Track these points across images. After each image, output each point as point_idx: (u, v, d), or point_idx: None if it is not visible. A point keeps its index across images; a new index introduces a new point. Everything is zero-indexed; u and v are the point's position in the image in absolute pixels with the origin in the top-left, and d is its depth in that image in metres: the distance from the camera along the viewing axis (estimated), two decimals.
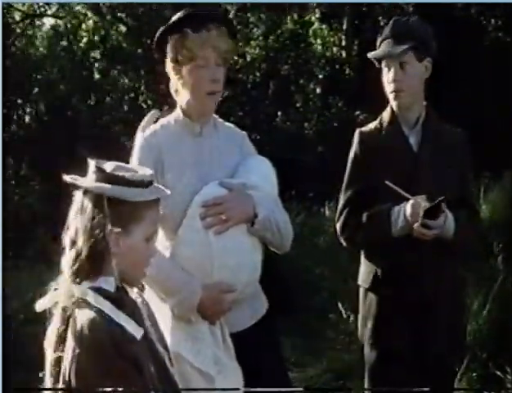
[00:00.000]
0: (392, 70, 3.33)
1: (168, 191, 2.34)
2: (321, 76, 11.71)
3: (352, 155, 3.43)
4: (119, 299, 2.26)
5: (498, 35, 10.64)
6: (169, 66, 2.98)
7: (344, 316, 6.27)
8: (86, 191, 2.26)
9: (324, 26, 11.73)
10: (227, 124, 3.14)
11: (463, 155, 3.40)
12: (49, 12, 12.22)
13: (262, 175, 3.01)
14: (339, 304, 6.31)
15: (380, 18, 11.11)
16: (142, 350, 2.22)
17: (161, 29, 2.99)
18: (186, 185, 2.82)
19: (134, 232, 2.26)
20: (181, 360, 2.73)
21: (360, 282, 3.46)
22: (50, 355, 2.22)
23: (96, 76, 12.01)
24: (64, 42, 11.92)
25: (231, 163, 2.99)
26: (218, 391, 2.81)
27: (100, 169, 2.24)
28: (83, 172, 2.34)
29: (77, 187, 2.29)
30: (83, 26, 11.99)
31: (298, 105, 11.51)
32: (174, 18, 2.98)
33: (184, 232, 2.78)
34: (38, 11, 12.12)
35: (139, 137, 2.99)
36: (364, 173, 3.35)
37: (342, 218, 3.41)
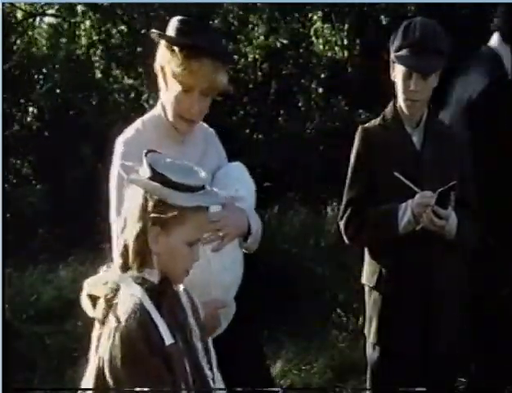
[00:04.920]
0: (413, 79, 3.29)
1: (221, 198, 2.32)
2: (322, 76, 11.69)
3: (354, 152, 3.44)
4: (162, 292, 2.29)
5: None
6: (158, 65, 2.92)
7: (346, 316, 6.27)
8: None
9: (326, 25, 11.71)
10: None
11: (463, 155, 3.42)
12: (50, 11, 12.20)
13: (245, 184, 3.00)
14: (340, 304, 6.31)
15: (382, 17, 11.10)
16: (177, 347, 2.23)
17: (154, 32, 2.91)
18: None
19: (174, 234, 2.28)
20: None
21: (364, 280, 3.47)
22: (95, 336, 2.29)
23: (98, 75, 11.99)
24: (65, 41, 11.90)
25: (211, 167, 2.96)
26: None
27: (150, 166, 2.25)
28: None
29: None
30: (83, 25, 11.97)
31: (299, 104, 11.50)
32: (170, 30, 2.88)
33: None
34: (39, 10, 12.10)
35: (119, 143, 2.91)
36: (367, 171, 3.36)
37: (345, 216, 3.41)
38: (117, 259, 2.31)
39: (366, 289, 3.45)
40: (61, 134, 10.90)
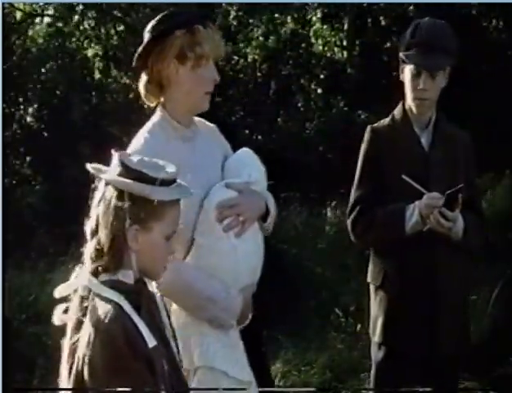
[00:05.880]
0: (422, 77, 3.31)
1: (191, 191, 2.32)
2: (322, 76, 11.70)
3: (363, 151, 3.44)
4: (138, 292, 2.26)
5: (499, 36, 10.64)
6: (166, 63, 2.90)
7: (345, 317, 6.27)
8: (108, 183, 2.25)
9: (325, 26, 11.72)
10: (198, 118, 3.09)
11: (469, 157, 3.45)
12: (49, 12, 12.21)
13: (256, 168, 3.00)
14: (340, 305, 6.31)
15: (381, 18, 11.11)
16: (157, 348, 2.20)
17: (165, 25, 2.91)
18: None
19: (154, 230, 2.25)
20: (214, 373, 2.75)
21: (370, 279, 3.47)
22: (66, 343, 2.22)
23: (97, 76, 12.00)
24: (63, 42, 11.90)
25: (218, 160, 2.99)
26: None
27: (123, 163, 2.22)
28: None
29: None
30: (82, 26, 11.99)
31: (299, 105, 11.51)
32: (178, 15, 2.93)
33: (205, 240, 2.78)
34: (38, 10, 12.11)
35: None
36: (376, 171, 3.37)
37: (353, 215, 3.42)
38: (88, 264, 2.25)
39: (372, 288, 3.44)
40: (60, 134, 10.91)
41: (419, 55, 3.29)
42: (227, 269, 2.79)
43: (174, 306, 2.77)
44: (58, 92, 11.61)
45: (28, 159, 11.28)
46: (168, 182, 2.25)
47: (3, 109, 10.15)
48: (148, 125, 2.96)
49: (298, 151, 10.12)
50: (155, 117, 2.97)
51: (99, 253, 2.24)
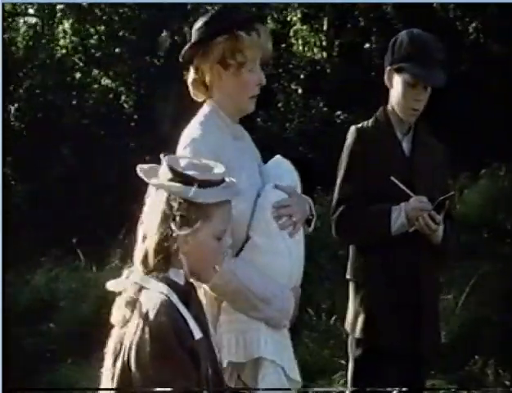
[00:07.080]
0: (417, 88, 3.35)
1: (238, 190, 2.35)
2: (302, 76, 11.74)
3: (348, 150, 3.48)
4: (188, 292, 2.32)
5: (478, 37, 10.71)
6: (209, 67, 2.91)
7: (317, 315, 6.29)
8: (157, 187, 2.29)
9: (305, 27, 11.76)
10: None
11: (445, 167, 3.51)
12: (30, 11, 12.19)
13: (296, 174, 3.05)
14: (311, 304, 6.32)
15: (361, 19, 11.16)
16: (202, 348, 2.26)
17: (208, 29, 2.91)
18: (245, 189, 2.81)
19: (203, 231, 2.28)
20: (275, 367, 2.78)
21: (350, 276, 3.50)
22: (115, 335, 2.28)
23: (77, 75, 11.99)
24: (43, 42, 11.89)
25: (257, 163, 3.03)
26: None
27: (171, 168, 2.24)
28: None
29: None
30: (62, 26, 11.97)
31: (279, 105, 11.54)
32: (222, 19, 2.92)
33: (261, 238, 2.82)
34: (18, 10, 12.08)
35: (184, 145, 2.87)
36: (361, 171, 3.41)
37: (338, 213, 3.45)
38: (138, 267, 2.30)
39: (352, 285, 3.47)
40: (40, 135, 10.90)
41: (419, 67, 3.30)
42: (282, 269, 2.83)
43: (225, 302, 2.79)
44: (38, 92, 11.59)
45: (8, 159, 11.25)
46: (215, 183, 2.27)
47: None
48: (199, 118, 2.94)
49: (278, 152, 10.13)
50: (206, 110, 2.95)
51: (149, 255, 2.28)
